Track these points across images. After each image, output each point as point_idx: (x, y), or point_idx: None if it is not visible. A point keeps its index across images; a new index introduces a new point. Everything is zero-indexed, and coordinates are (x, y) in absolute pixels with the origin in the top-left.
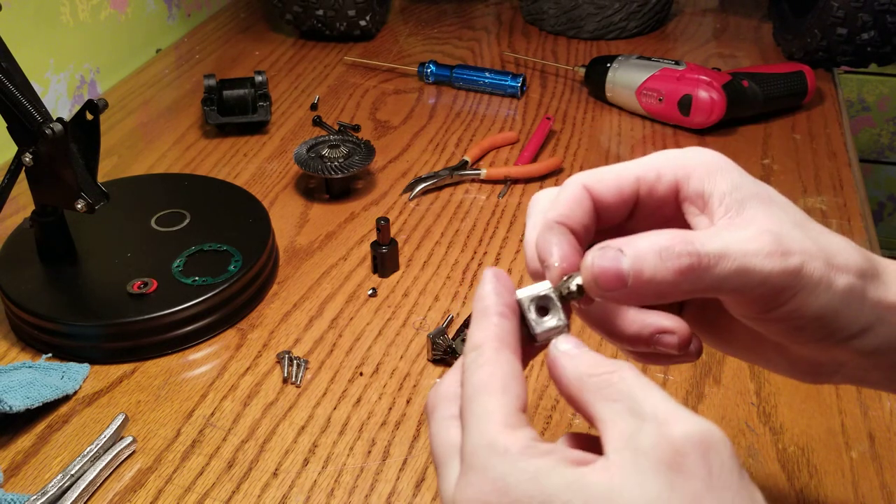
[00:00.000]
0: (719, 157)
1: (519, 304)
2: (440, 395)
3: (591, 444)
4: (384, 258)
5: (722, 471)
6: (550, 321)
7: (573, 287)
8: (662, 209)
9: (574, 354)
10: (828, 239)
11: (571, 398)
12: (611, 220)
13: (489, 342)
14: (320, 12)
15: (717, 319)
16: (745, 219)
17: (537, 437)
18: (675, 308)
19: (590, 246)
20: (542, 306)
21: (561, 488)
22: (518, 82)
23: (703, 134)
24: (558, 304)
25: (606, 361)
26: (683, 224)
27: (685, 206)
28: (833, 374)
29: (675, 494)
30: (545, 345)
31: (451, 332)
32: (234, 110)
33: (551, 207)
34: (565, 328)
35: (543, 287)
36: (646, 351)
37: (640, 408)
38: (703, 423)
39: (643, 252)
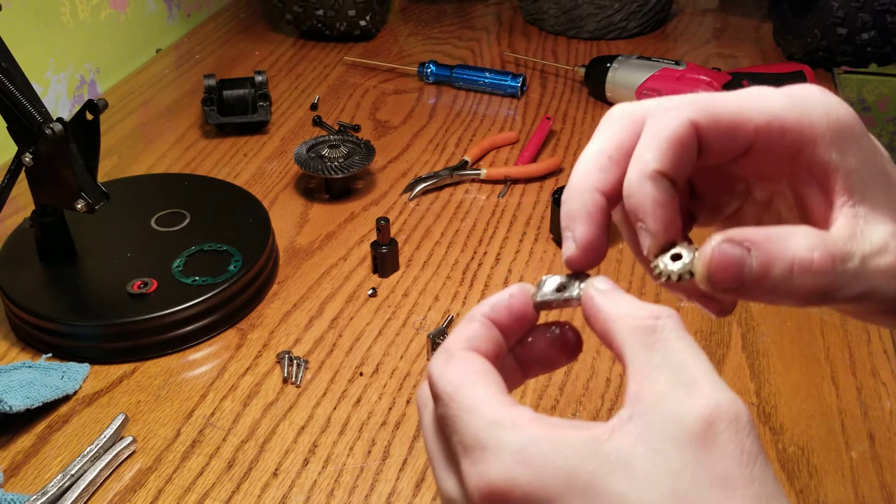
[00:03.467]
0: (849, 112)
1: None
2: (425, 396)
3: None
4: (384, 258)
5: (751, 455)
6: (557, 295)
7: (684, 272)
8: (772, 165)
9: (613, 294)
10: None
11: (606, 338)
12: (709, 162)
13: (457, 343)
14: (320, 12)
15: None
16: (869, 210)
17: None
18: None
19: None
20: (562, 286)
21: (582, 455)
22: (518, 82)
23: None
24: (575, 279)
25: (649, 306)
26: (794, 183)
27: (801, 173)
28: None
29: (703, 471)
30: (541, 356)
31: (451, 332)
32: (234, 110)
33: (649, 146)
34: (575, 301)
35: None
36: (683, 296)
37: (675, 365)
38: (738, 399)
39: (774, 257)
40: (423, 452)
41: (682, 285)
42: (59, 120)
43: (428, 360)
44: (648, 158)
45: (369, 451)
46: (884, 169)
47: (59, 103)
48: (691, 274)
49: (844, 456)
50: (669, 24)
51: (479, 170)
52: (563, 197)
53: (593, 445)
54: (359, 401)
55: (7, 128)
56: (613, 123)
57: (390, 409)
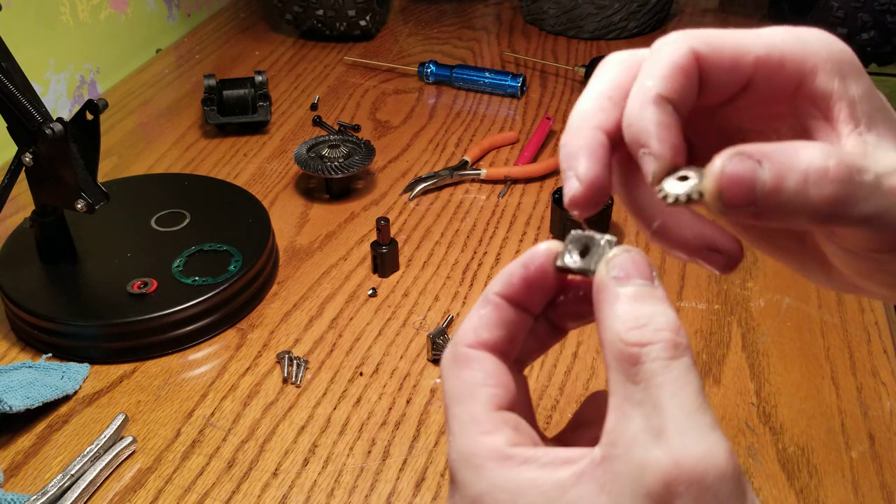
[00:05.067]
0: (850, 51)
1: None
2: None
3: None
4: (384, 258)
5: None
6: (579, 262)
7: (693, 192)
8: (774, 101)
9: (618, 294)
10: None
11: (600, 340)
12: (710, 99)
13: (465, 337)
14: (320, 12)
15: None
16: (876, 139)
17: (517, 439)
18: None
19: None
20: (585, 247)
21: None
22: (518, 82)
23: None
24: (601, 248)
25: (645, 326)
26: (796, 124)
27: (804, 106)
28: (862, 292)
29: None
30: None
31: (451, 332)
32: (234, 110)
33: (650, 73)
34: (591, 274)
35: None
36: (683, 256)
37: (650, 405)
38: (714, 452)
39: (787, 168)
40: (424, 452)
41: (676, 238)
42: (59, 120)
43: (428, 359)
44: (650, 85)
45: (369, 451)
46: (886, 106)
47: (59, 103)
48: (700, 195)
49: (844, 456)
50: (669, 24)
51: (479, 170)
52: (563, 139)
53: (555, 493)
54: (359, 401)
55: (7, 128)
56: (612, 67)
57: (390, 409)
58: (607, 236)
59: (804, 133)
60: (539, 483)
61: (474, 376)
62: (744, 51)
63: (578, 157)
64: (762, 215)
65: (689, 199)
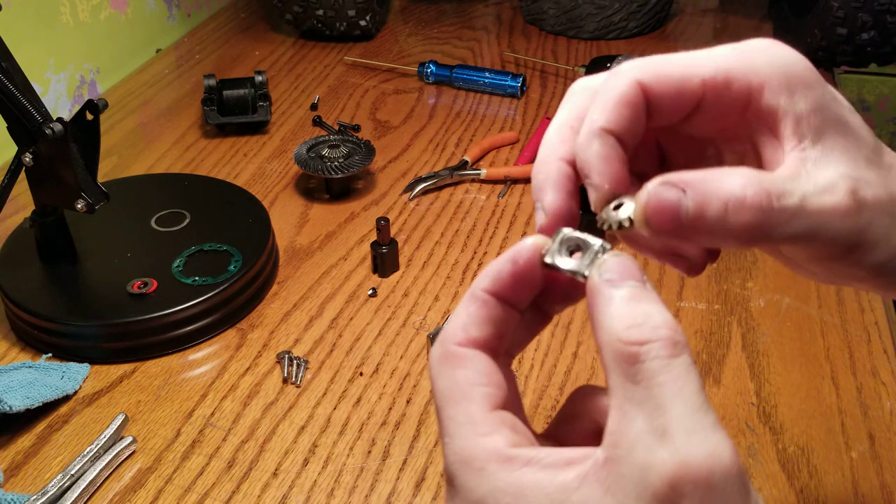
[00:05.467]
0: (801, 62)
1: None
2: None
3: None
4: (384, 258)
5: None
6: (569, 263)
7: (623, 219)
8: (726, 118)
9: (612, 295)
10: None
11: (598, 347)
12: (662, 122)
13: (454, 335)
14: (320, 12)
15: None
16: (820, 154)
17: (516, 440)
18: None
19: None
20: (576, 247)
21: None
22: (518, 82)
23: None
24: (594, 252)
25: (643, 324)
26: (746, 139)
27: (754, 122)
28: (850, 285)
29: None
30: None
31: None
32: (234, 110)
33: (597, 107)
34: (581, 277)
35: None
36: (652, 257)
37: (652, 405)
38: (720, 451)
39: (709, 196)
40: (424, 452)
41: (643, 242)
42: (59, 120)
43: (428, 360)
44: (595, 118)
45: (369, 451)
46: (842, 117)
47: (59, 103)
48: (631, 221)
49: (844, 456)
50: (669, 24)
51: (479, 170)
52: (532, 171)
53: (560, 496)
54: (359, 401)
55: (7, 128)
56: (574, 97)
57: (390, 409)
58: (601, 241)
59: (759, 149)
60: (543, 485)
61: (468, 376)
62: (690, 75)
63: (545, 190)
64: (690, 239)
65: (621, 226)
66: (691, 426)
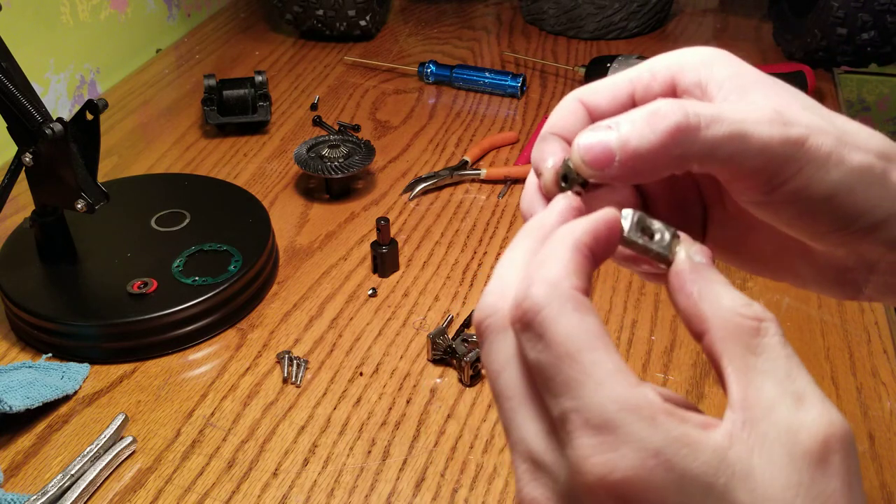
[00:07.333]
0: (715, 49)
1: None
2: (497, 323)
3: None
4: (384, 258)
5: (855, 477)
6: (650, 243)
7: (569, 172)
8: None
9: (710, 275)
10: (843, 121)
11: (692, 322)
12: (609, 114)
13: (568, 278)
14: (320, 12)
15: (740, 235)
16: (748, 101)
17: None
18: (699, 229)
19: None
20: (646, 227)
21: (716, 465)
22: (518, 82)
23: None
24: (668, 236)
25: (751, 303)
26: None
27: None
28: (865, 284)
29: (814, 490)
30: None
31: (451, 332)
32: (234, 110)
33: (545, 125)
34: (661, 258)
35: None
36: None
37: (782, 373)
38: (844, 418)
39: (630, 121)
40: (424, 452)
41: (619, 252)
42: (59, 120)
43: (428, 360)
44: (544, 130)
45: (369, 451)
46: (764, 80)
47: (59, 103)
48: (573, 172)
49: None
50: (669, 24)
51: (479, 170)
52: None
53: (721, 454)
54: (359, 401)
55: (7, 128)
56: (563, 107)
57: (390, 409)
58: (672, 228)
59: None
60: (704, 443)
61: (598, 323)
62: (618, 79)
63: (534, 209)
64: (630, 169)
65: (566, 178)
66: (822, 395)
